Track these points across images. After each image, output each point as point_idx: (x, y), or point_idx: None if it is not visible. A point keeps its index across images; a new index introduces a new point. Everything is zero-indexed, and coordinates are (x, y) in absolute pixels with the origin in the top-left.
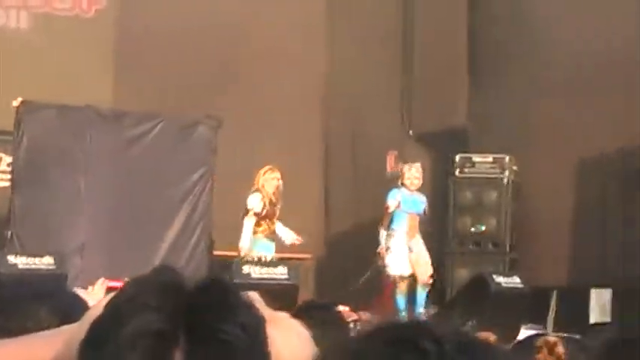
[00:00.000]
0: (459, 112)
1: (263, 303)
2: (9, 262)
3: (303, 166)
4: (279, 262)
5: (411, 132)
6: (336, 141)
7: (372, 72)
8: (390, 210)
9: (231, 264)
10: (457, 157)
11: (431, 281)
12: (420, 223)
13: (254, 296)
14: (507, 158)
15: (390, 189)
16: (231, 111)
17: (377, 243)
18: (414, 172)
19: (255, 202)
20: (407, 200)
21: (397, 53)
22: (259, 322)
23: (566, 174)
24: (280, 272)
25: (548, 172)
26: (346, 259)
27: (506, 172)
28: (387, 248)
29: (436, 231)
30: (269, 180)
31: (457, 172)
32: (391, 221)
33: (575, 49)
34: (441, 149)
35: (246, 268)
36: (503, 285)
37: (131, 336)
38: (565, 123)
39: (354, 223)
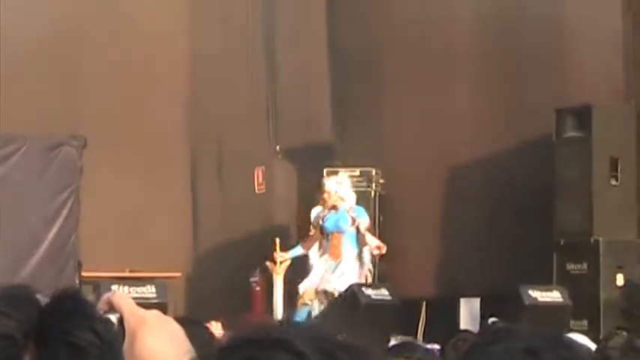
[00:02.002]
0: (322, 125)
1: (132, 302)
2: None
3: (171, 184)
4: (147, 280)
5: (277, 147)
6: (203, 158)
7: (236, 88)
8: (314, 227)
9: (99, 285)
10: (324, 172)
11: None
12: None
13: (121, 296)
14: (374, 171)
15: (258, 206)
16: (96, 130)
17: (247, 259)
18: (329, 185)
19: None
20: (330, 218)
21: (261, 68)
22: (112, 330)
23: (433, 183)
24: (149, 291)
25: (415, 182)
26: (216, 276)
27: (373, 185)
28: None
29: (302, 238)
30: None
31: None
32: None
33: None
34: (309, 164)
35: (114, 288)
36: (373, 297)
37: None
38: (430, 129)
39: (223, 240)
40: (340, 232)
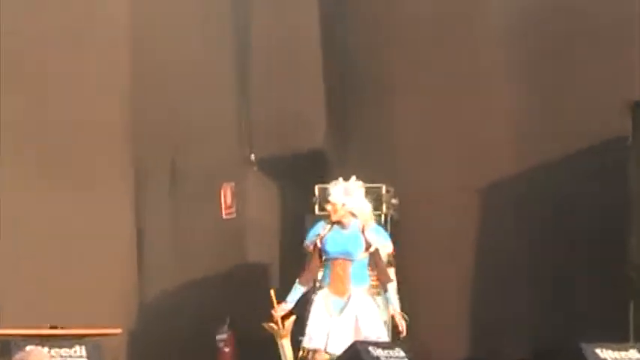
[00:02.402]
0: (314, 130)
1: None
2: None
3: (109, 208)
4: (76, 339)
5: (252, 155)
6: (151, 173)
7: (195, 83)
8: (309, 251)
9: (8, 343)
10: (316, 189)
11: None
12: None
13: (40, 353)
14: (384, 188)
15: (226, 236)
16: (10, 132)
17: (212, 310)
18: (334, 195)
19: None
20: (334, 238)
21: (232, 56)
22: None
23: (459, 206)
24: (77, 354)
25: (437, 204)
26: (169, 333)
27: (383, 207)
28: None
29: (288, 281)
30: None
31: (317, 208)
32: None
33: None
34: (293, 178)
35: (29, 348)
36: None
37: None
38: (455, 137)
39: (178, 283)
40: (348, 259)
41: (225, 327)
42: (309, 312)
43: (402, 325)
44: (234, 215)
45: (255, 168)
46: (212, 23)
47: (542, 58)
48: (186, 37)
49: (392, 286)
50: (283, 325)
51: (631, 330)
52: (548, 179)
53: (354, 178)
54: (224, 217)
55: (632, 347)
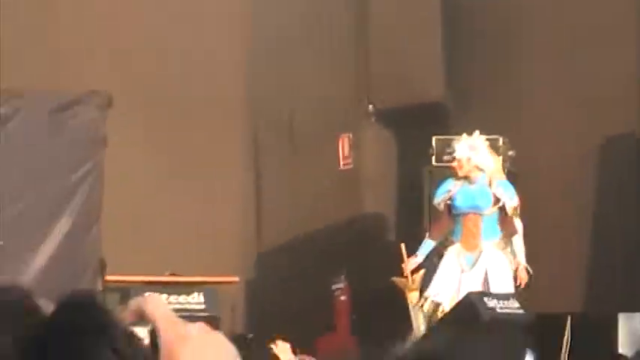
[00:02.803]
0: (432, 81)
1: (170, 312)
2: None
3: (226, 161)
4: (194, 286)
5: (370, 107)
6: (268, 127)
7: (310, 34)
8: (439, 209)
9: (128, 290)
10: (433, 140)
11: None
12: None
13: (156, 302)
14: (501, 140)
15: (343, 187)
16: (127, 87)
17: (328, 259)
18: (460, 151)
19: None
20: (463, 193)
21: (350, 7)
22: (142, 350)
23: (580, 161)
24: (195, 300)
25: (558, 158)
26: (285, 281)
27: (500, 159)
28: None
29: (407, 237)
30: None
31: (434, 160)
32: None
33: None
34: (411, 130)
35: (147, 295)
36: (498, 310)
37: None
38: (578, 93)
39: (295, 234)
40: (478, 213)
41: (342, 277)
42: (437, 266)
43: (522, 278)
44: (351, 166)
45: (372, 119)
46: None
47: None
48: None
49: (517, 239)
50: (413, 279)
51: None
52: None
53: (477, 132)
54: (341, 167)
55: None
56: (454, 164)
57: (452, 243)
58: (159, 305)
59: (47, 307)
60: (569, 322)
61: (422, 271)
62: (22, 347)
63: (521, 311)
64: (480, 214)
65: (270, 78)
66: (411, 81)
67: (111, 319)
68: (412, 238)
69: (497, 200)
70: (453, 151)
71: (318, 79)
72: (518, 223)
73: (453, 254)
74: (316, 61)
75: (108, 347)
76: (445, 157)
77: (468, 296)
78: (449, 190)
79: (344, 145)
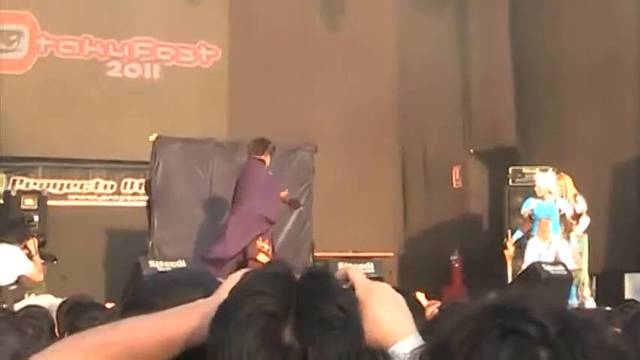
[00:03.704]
0: (509, 130)
1: (363, 275)
2: (150, 266)
3: (385, 181)
4: (367, 259)
5: (471, 150)
6: (411, 158)
7: (436, 96)
8: (525, 215)
9: (328, 263)
10: (510, 170)
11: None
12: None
13: (355, 270)
14: (551, 169)
15: (456, 198)
16: (325, 137)
17: (447, 242)
18: (538, 181)
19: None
20: (540, 207)
21: (456, 81)
22: (354, 303)
23: (600, 179)
24: (368, 267)
25: (586, 178)
26: (421, 255)
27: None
28: (522, 246)
29: (494, 230)
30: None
31: (510, 182)
32: (532, 227)
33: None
34: (497, 163)
35: (340, 265)
36: (552, 272)
37: (247, 317)
38: (597, 130)
39: (427, 226)
40: (549, 218)
41: (456, 251)
42: (525, 250)
43: (576, 257)
44: (460, 185)
45: (473, 157)
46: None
47: None
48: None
49: (573, 234)
50: (510, 252)
51: None
52: None
53: (550, 169)
54: (454, 186)
55: None
56: (535, 189)
57: (532, 236)
58: (357, 272)
59: (295, 274)
60: (594, 280)
61: (513, 248)
62: (284, 307)
63: (565, 272)
64: (550, 219)
65: (412, 120)
66: (493, 130)
67: (336, 285)
68: (498, 229)
69: (559, 210)
70: (534, 181)
71: (439, 132)
72: (585, 220)
73: (533, 243)
74: (439, 120)
75: (336, 304)
76: (517, 180)
77: (533, 264)
78: (530, 205)
79: (456, 173)
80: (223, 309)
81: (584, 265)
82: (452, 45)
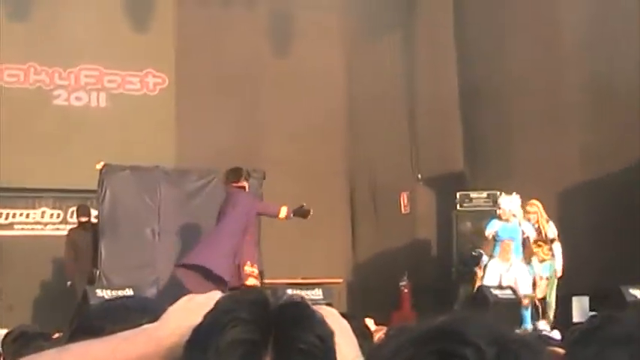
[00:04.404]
0: (456, 156)
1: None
2: (97, 295)
3: (334, 209)
4: (316, 285)
5: (419, 176)
6: (359, 187)
7: (383, 127)
8: (489, 237)
9: (277, 290)
10: (458, 195)
11: (526, 301)
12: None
13: (328, 310)
14: (498, 193)
15: (404, 224)
16: (272, 165)
17: (396, 267)
18: (503, 204)
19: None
20: (504, 229)
21: (404, 108)
22: (331, 334)
23: (549, 202)
24: (317, 294)
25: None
26: (370, 281)
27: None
28: (484, 267)
29: (443, 255)
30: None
31: (458, 207)
32: (493, 248)
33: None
34: (444, 189)
35: (289, 292)
36: (499, 296)
37: (229, 343)
38: (542, 155)
39: (376, 252)
40: (512, 240)
41: (405, 277)
42: (484, 272)
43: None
44: (409, 211)
45: (421, 183)
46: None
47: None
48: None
49: (534, 258)
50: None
51: None
52: (604, 187)
53: (514, 193)
54: (402, 212)
55: None
56: (499, 212)
57: (493, 257)
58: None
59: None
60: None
61: (477, 268)
62: (263, 334)
63: (513, 297)
64: (512, 241)
65: (360, 150)
66: (441, 156)
67: (313, 314)
68: (446, 254)
69: (523, 233)
70: (500, 203)
71: (387, 159)
72: (557, 246)
73: (493, 264)
74: (387, 147)
75: (314, 333)
76: (465, 205)
77: (481, 288)
78: (494, 226)
79: (404, 199)
80: (201, 334)
81: (551, 291)
82: (399, 72)
